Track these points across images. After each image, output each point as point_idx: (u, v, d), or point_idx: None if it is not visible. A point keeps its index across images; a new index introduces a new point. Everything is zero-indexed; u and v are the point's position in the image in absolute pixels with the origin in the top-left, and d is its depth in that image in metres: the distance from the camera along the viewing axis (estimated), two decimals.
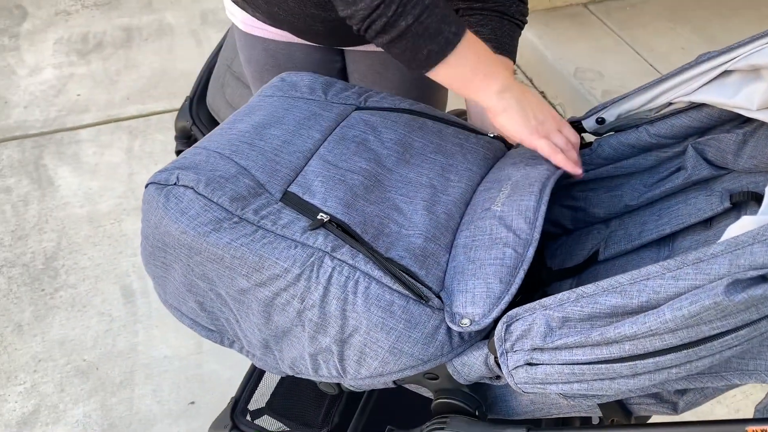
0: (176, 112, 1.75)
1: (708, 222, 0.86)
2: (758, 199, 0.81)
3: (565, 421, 0.90)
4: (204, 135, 1.32)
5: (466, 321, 0.72)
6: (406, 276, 0.75)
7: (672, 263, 0.59)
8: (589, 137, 0.99)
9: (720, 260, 0.56)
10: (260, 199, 0.79)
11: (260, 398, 1.13)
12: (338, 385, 0.85)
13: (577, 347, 0.63)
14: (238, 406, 1.10)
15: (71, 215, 2.02)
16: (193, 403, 1.56)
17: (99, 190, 2.11)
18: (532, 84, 2.56)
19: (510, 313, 0.69)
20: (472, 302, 0.73)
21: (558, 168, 0.90)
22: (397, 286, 0.74)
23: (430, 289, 0.75)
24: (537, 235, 0.78)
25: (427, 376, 0.78)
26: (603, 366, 0.62)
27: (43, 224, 2.00)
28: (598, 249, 0.94)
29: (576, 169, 0.90)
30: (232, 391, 1.12)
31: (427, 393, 0.83)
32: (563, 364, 0.65)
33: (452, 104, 1.30)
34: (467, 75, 0.88)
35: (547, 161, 0.90)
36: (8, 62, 2.68)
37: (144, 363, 1.64)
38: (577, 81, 2.39)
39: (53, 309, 1.76)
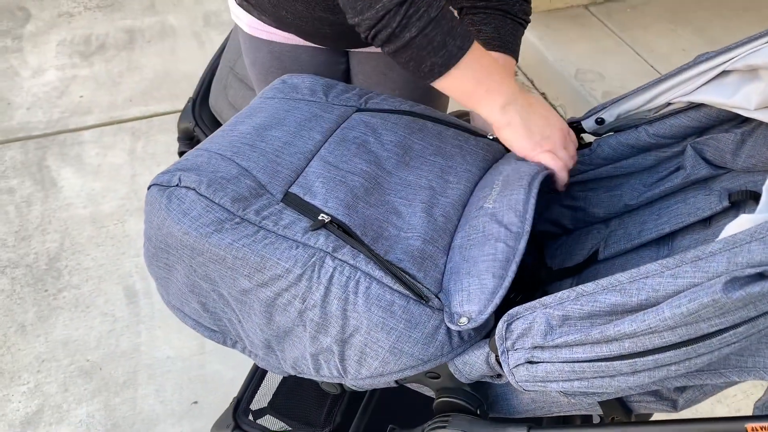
0: (179, 114, 1.75)
1: (707, 221, 0.86)
2: (756, 198, 0.81)
3: (566, 420, 0.90)
4: (206, 136, 1.32)
5: (464, 320, 0.72)
6: (407, 276, 0.75)
7: (671, 261, 0.59)
8: (588, 137, 1.00)
9: (718, 258, 0.56)
10: (261, 200, 0.80)
11: (262, 398, 1.13)
12: (340, 384, 0.85)
13: (577, 345, 0.64)
14: (241, 405, 1.10)
15: (74, 216, 2.03)
16: (196, 403, 1.57)
17: (102, 191, 2.12)
18: (533, 85, 2.56)
19: (511, 311, 0.70)
20: (468, 300, 0.74)
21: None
22: (397, 287, 0.74)
23: (429, 290, 0.76)
24: (528, 227, 0.79)
25: (429, 375, 0.78)
26: (603, 364, 0.63)
27: (46, 225, 2.01)
28: (598, 248, 0.94)
29: (562, 188, 0.93)
30: (235, 391, 1.13)
31: (428, 392, 0.83)
32: (564, 362, 0.65)
33: (454, 105, 1.30)
34: (470, 89, 0.88)
35: None
36: (11, 64, 2.69)
37: (147, 363, 1.64)
38: (578, 82, 2.40)
39: (56, 309, 1.77)
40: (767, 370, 0.64)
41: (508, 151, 1.02)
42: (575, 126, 0.98)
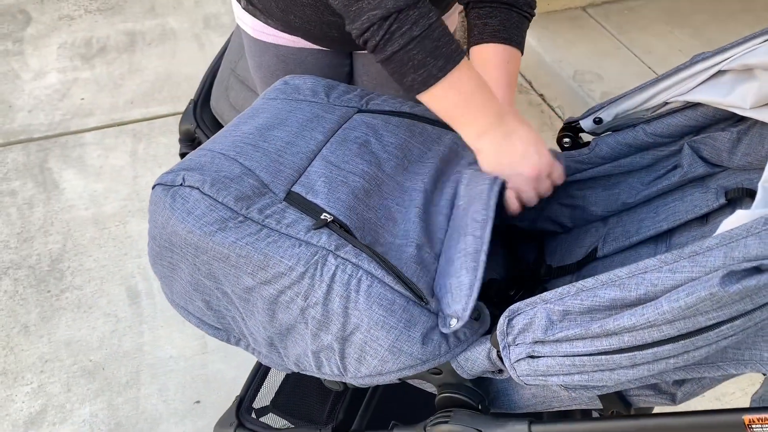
0: (180, 116, 1.76)
1: (704, 218, 0.87)
2: (752, 195, 0.82)
3: (566, 415, 0.91)
4: (208, 138, 1.33)
5: (453, 321, 0.74)
6: (407, 277, 0.77)
7: (669, 257, 0.60)
8: (587, 137, 1.01)
9: (715, 253, 0.57)
10: (264, 199, 0.81)
11: (265, 396, 1.14)
12: (343, 381, 0.86)
13: (577, 339, 0.65)
14: (243, 404, 1.11)
15: (76, 217, 2.04)
16: (198, 402, 1.57)
17: (104, 192, 2.13)
18: (532, 87, 2.57)
19: (512, 307, 0.71)
20: (453, 300, 0.75)
21: None
22: (398, 287, 0.75)
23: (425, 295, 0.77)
24: (491, 213, 0.80)
25: (431, 371, 0.79)
26: (603, 357, 0.64)
27: (49, 226, 2.01)
28: (597, 246, 0.95)
29: (513, 212, 0.93)
30: (237, 390, 1.14)
31: (430, 388, 0.84)
32: (564, 356, 0.66)
33: None
34: (448, 110, 0.90)
35: None
36: (12, 67, 2.70)
37: (149, 363, 1.65)
38: (576, 83, 2.41)
39: (59, 310, 1.78)
40: (764, 363, 0.65)
41: None
42: (574, 125, 0.99)
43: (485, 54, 1.02)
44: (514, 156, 0.90)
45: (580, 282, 0.66)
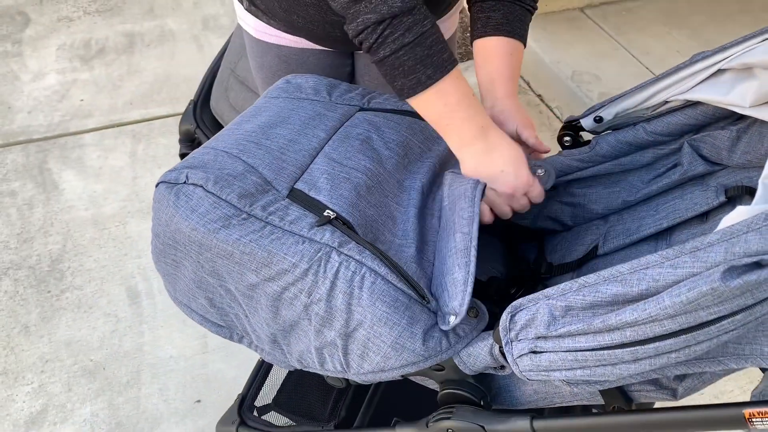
0: (179, 117, 1.76)
1: (704, 216, 0.88)
2: (752, 193, 0.83)
3: (568, 410, 0.92)
4: (207, 138, 1.33)
5: (452, 317, 0.75)
6: (410, 275, 0.77)
7: (670, 252, 0.61)
8: (587, 135, 1.01)
9: (716, 248, 0.58)
10: (268, 196, 0.81)
11: (267, 394, 1.14)
12: (346, 378, 0.86)
13: (579, 335, 0.65)
14: (245, 402, 1.11)
15: (76, 218, 2.04)
16: (199, 401, 1.58)
17: (103, 193, 2.13)
18: (530, 87, 2.58)
19: (514, 303, 0.71)
20: (450, 298, 0.76)
21: None
22: (402, 285, 0.76)
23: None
24: (477, 209, 0.81)
25: (433, 368, 0.79)
26: (605, 352, 0.64)
27: (49, 227, 2.02)
28: (597, 244, 0.96)
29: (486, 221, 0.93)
30: (238, 389, 1.14)
31: (432, 385, 0.84)
32: (566, 351, 0.67)
33: None
34: (433, 117, 0.91)
35: None
36: (11, 68, 2.70)
37: (150, 363, 1.65)
38: (574, 84, 2.42)
39: (60, 310, 1.78)
40: (764, 357, 0.65)
41: None
42: (574, 124, 1.00)
43: (488, 47, 1.02)
44: (492, 171, 0.90)
45: (582, 278, 0.66)
